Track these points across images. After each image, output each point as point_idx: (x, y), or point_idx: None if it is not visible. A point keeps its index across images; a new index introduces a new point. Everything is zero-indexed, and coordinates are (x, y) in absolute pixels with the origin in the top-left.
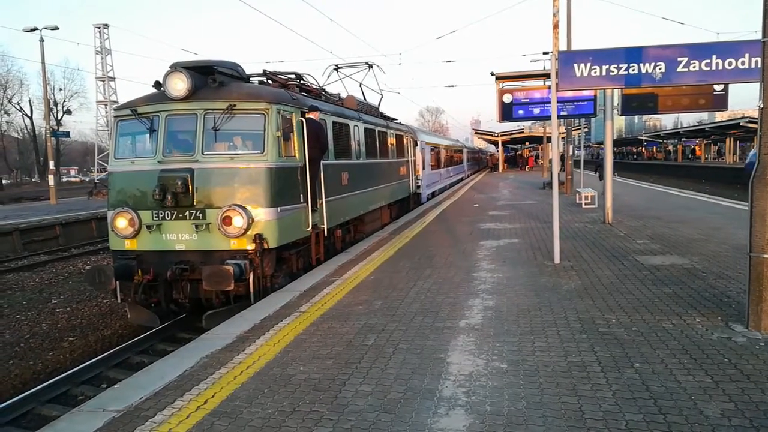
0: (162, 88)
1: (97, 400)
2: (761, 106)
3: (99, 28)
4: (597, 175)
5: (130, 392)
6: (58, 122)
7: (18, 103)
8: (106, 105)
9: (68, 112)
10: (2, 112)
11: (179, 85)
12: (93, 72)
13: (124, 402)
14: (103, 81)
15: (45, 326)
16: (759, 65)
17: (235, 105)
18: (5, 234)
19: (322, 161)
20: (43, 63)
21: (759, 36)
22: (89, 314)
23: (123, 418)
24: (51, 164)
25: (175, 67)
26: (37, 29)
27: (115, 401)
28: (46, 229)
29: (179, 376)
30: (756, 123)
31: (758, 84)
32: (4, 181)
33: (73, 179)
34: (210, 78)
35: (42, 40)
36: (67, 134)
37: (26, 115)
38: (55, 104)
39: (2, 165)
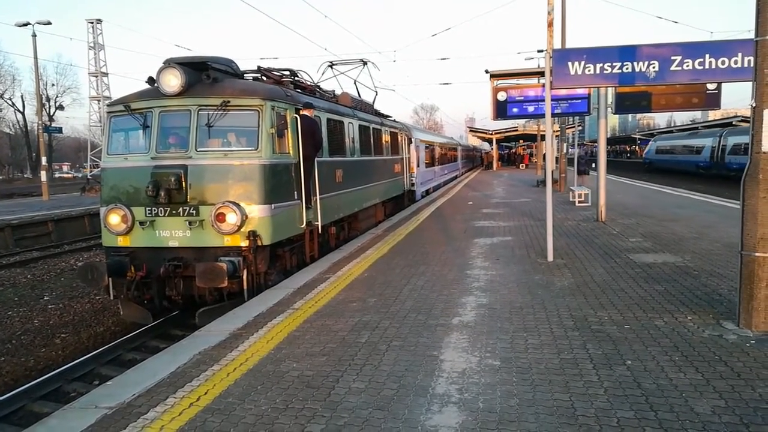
0: (155, 84)
1: (89, 397)
2: (753, 105)
3: (92, 23)
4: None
5: (123, 389)
6: (51, 118)
7: (10, 99)
8: (99, 101)
9: (61, 107)
10: None
11: (173, 81)
12: (86, 67)
13: (116, 399)
14: (96, 76)
15: (37, 323)
16: (752, 64)
17: (229, 101)
18: None
19: (316, 158)
20: (36, 58)
21: (752, 35)
22: (82, 311)
23: (115, 415)
24: (43, 160)
25: (169, 63)
26: (30, 24)
27: (107, 398)
28: (38, 225)
29: (172, 373)
30: (748, 121)
31: (751, 83)
32: None
33: (65, 175)
34: (204, 74)
35: (34, 35)
36: (60, 130)
37: (18, 110)
38: (48, 100)
39: None
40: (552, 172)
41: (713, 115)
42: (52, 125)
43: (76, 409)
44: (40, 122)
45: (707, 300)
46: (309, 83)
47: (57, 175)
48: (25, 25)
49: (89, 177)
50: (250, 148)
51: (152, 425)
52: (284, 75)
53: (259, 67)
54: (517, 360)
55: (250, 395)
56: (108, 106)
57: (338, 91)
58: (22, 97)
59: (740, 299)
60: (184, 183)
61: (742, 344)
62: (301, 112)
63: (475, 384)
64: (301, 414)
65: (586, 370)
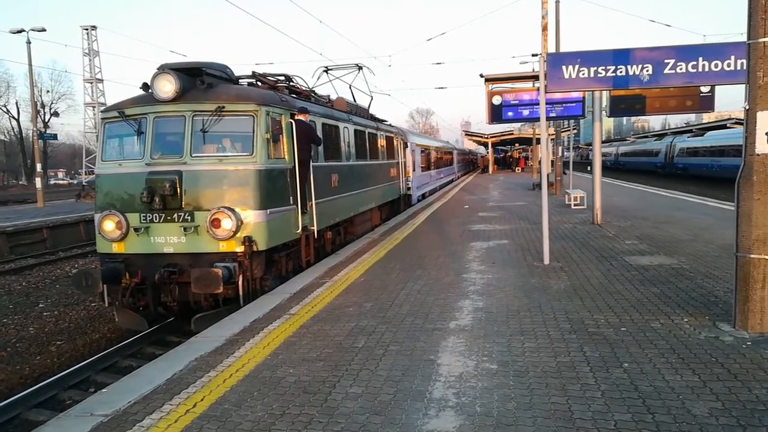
0: (150, 90)
1: (84, 404)
2: (746, 107)
3: (87, 29)
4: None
5: (118, 396)
6: (46, 124)
7: (5, 106)
8: (93, 107)
9: (56, 114)
10: None
11: (167, 87)
12: (81, 74)
13: (112, 406)
14: (91, 83)
15: (32, 330)
16: (744, 67)
17: (223, 107)
18: None
19: (311, 163)
20: (30, 65)
21: (744, 38)
22: (77, 318)
23: (111, 423)
24: (38, 167)
25: (163, 69)
26: (24, 31)
27: (102, 405)
28: (33, 233)
29: (168, 380)
30: (742, 124)
31: (744, 86)
32: None
33: (60, 182)
34: (198, 80)
35: (29, 42)
36: (55, 137)
37: (13, 117)
38: (43, 106)
39: None
40: (548, 175)
41: (707, 117)
42: (47, 132)
43: (72, 416)
44: (35, 129)
45: (703, 302)
46: (304, 88)
47: (52, 181)
48: (20, 32)
49: (84, 183)
50: (245, 154)
51: None
52: (279, 80)
53: (253, 72)
54: (514, 363)
55: (247, 401)
56: (102, 112)
57: (333, 96)
58: (16, 103)
59: (736, 301)
60: (179, 189)
61: (738, 346)
62: (296, 117)
63: (472, 388)
64: (298, 420)
65: (583, 373)
